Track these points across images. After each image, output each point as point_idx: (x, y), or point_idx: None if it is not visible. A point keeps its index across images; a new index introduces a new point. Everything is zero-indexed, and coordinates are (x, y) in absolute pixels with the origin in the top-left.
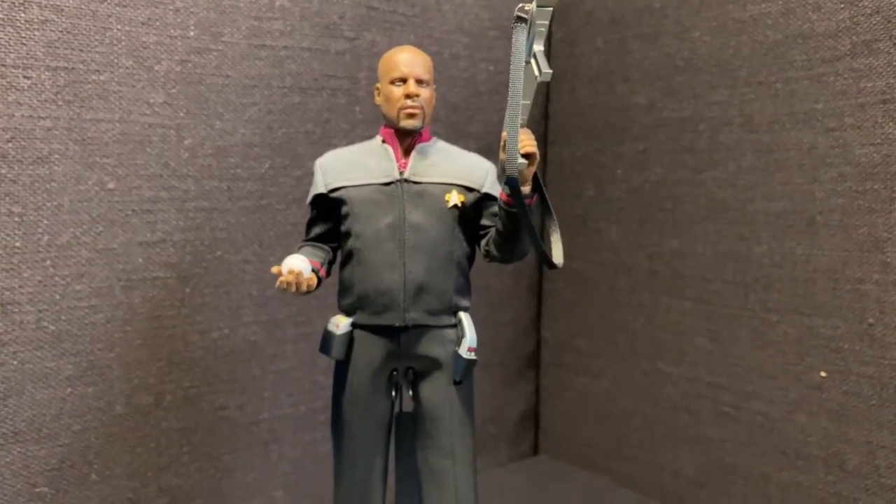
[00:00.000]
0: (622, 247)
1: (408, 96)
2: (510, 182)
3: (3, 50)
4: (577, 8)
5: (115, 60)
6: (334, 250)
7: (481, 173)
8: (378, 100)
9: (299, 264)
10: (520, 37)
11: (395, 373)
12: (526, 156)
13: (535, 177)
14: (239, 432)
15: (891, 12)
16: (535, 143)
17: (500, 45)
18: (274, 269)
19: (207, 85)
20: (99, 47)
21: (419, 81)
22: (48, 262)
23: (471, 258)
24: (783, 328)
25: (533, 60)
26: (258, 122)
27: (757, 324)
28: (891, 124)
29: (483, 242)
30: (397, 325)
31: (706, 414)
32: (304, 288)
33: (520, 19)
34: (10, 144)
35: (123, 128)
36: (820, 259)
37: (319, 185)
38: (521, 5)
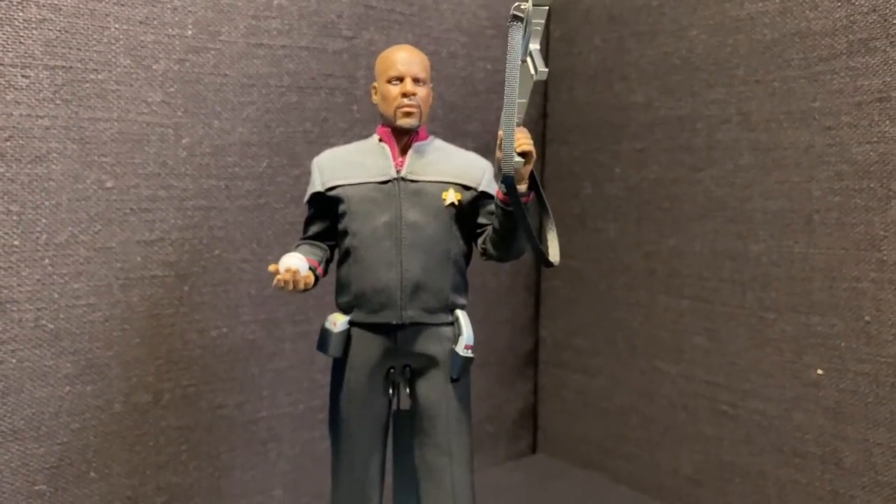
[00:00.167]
0: (620, 245)
1: (404, 95)
2: (506, 180)
3: (1, 49)
4: (575, 6)
5: (113, 59)
6: (332, 249)
7: (478, 172)
8: (375, 98)
9: (296, 262)
10: (516, 35)
11: (392, 370)
12: (522, 154)
13: (531, 175)
14: (237, 431)
15: (887, 11)
16: (531, 141)
17: (498, 43)
18: (271, 268)
19: (205, 84)
20: (97, 46)
21: (416, 80)
22: (46, 261)
23: (468, 256)
24: (780, 326)
25: (529, 59)
26: (256, 120)
27: (754, 322)
28: (887, 122)
29: (480, 241)
30: (394, 322)
31: (704, 412)
32: (301, 286)
33: (516, 18)
34: (8, 143)
35: (121, 127)
36: (817, 257)
37: (316, 184)
38: (517, 4)
